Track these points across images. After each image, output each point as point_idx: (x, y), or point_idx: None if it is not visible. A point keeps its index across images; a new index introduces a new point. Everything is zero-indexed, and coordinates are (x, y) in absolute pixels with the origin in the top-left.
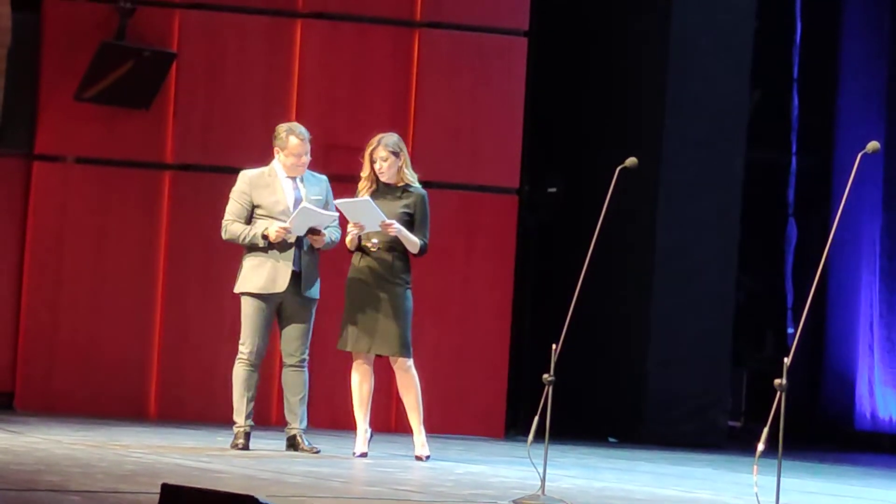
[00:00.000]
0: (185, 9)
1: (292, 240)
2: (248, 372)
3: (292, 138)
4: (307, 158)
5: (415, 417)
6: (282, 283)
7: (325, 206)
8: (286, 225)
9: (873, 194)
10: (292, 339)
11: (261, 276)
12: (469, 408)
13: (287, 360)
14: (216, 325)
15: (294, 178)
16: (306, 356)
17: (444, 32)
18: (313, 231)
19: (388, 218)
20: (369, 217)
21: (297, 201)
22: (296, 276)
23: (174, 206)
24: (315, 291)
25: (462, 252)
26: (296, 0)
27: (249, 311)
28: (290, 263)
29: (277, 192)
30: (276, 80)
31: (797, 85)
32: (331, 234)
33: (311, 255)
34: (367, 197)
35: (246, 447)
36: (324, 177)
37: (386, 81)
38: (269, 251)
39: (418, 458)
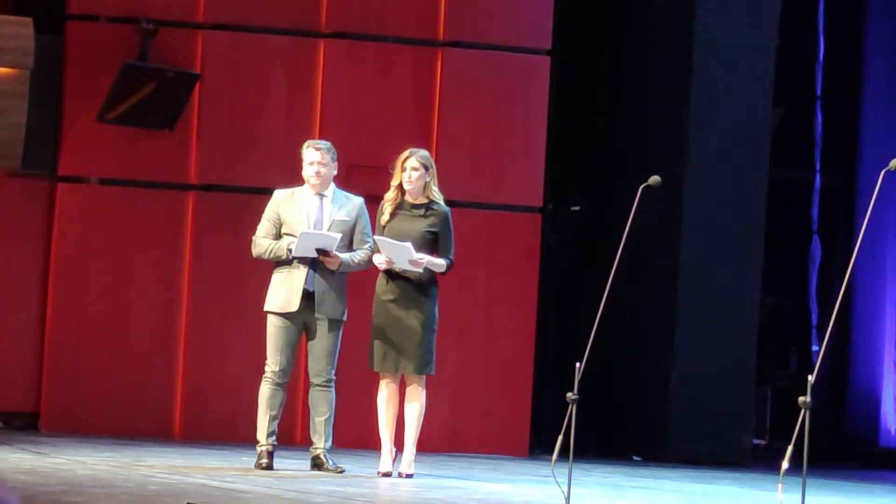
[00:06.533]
0: (207, 29)
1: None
2: (273, 390)
3: (308, 149)
4: (325, 171)
5: (412, 434)
6: (295, 303)
7: (354, 228)
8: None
9: None
10: (318, 358)
11: (280, 294)
12: (493, 426)
13: (313, 380)
14: (240, 345)
15: (321, 198)
16: (332, 376)
17: (467, 52)
18: (323, 252)
19: (413, 238)
20: (401, 257)
21: (318, 222)
22: (311, 296)
23: (198, 226)
24: (336, 311)
25: (485, 271)
26: (318, 20)
27: (272, 330)
28: (303, 283)
29: (301, 211)
30: (298, 100)
31: (820, 102)
32: (353, 256)
33: (330, 275)
34: (408, 243)
35: (270, 466)
36: (358, 198)
37: (408, 101)
38: (293, 265)
39: (401, 475)
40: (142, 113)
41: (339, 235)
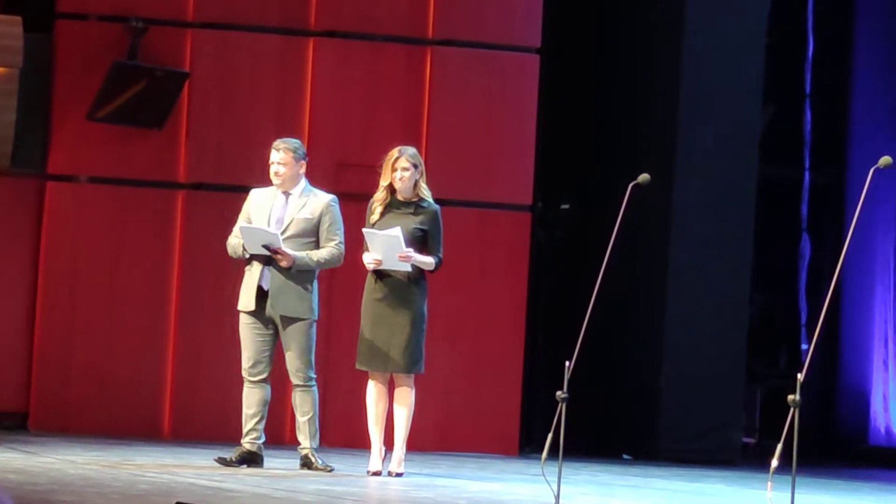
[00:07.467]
0: (197, 28)
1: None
2: (247, 389)
3: (271, 149)
4: (285, 170)
5: (401, 433)
6: (253, 301)
7: (318, 226)
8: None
9: (887, 209)
10: (291, 359)
11: (244, 293)
12: (483, 425)
13: (292, 380)
14: (229, 344)
15: (287, 196)
16: (310, 374)
17: (457, 50)
18: (272, 250)
19: (403, 236)
20: (390, 251)
21: (279, 220)
22: (265, 295)
23: (187, 225)
24: (297, 310)
25: (475, 269)
26: (308, 18)
27: (240, 328)
28: (257, 281)
29: (264, 210)
30: (288, 98)
31: (810, 100)
32: (312, 255)
33: (286, 273)
34: (397, 229)
35: (231, 464)
36: (327, 197)
37: (398, 99)
38: (252, 264)
39: (390, 474)
40: (131, 112)
41: (276, 231)
